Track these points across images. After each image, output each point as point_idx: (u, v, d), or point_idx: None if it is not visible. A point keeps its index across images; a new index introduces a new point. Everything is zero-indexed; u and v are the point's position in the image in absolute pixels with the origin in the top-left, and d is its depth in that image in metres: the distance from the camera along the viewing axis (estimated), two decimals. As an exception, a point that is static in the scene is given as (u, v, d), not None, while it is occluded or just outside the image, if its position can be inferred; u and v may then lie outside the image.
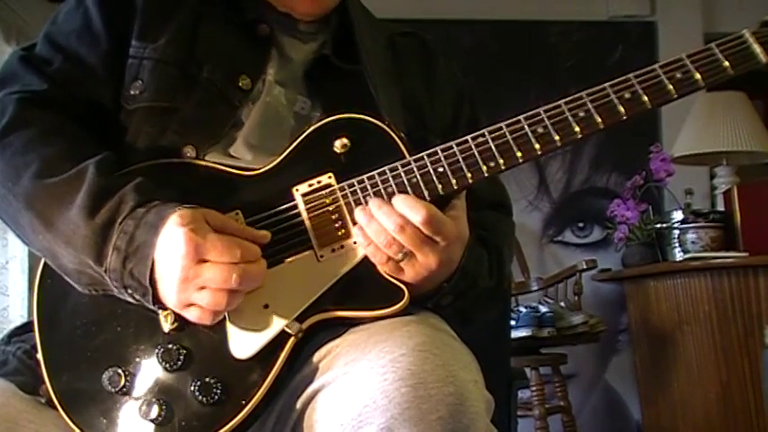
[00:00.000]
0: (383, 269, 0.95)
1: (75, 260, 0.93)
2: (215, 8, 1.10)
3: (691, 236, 3.16)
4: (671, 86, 0.96)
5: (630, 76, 0.97)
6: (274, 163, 1.01)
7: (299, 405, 0.92)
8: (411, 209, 0.93)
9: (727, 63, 0.96)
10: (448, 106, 1.21)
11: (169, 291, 0.90)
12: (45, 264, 1.01)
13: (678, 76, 0.96)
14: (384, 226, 0.93)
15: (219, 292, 0.88)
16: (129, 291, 0.92)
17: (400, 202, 0.94)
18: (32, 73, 1.04)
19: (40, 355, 0.97)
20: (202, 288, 0.88)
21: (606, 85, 0.97)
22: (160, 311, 0.94)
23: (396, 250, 0.93)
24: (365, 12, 1.21)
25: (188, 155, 1.02)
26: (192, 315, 0.91)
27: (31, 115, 1.01)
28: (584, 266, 3.24)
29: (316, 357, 0.94)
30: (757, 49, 0.96)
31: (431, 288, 0.99)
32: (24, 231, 0.98)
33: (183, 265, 0.88)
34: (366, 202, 0.96)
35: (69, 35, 1.06)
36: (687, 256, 3.14)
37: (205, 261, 0.88)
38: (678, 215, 3.37)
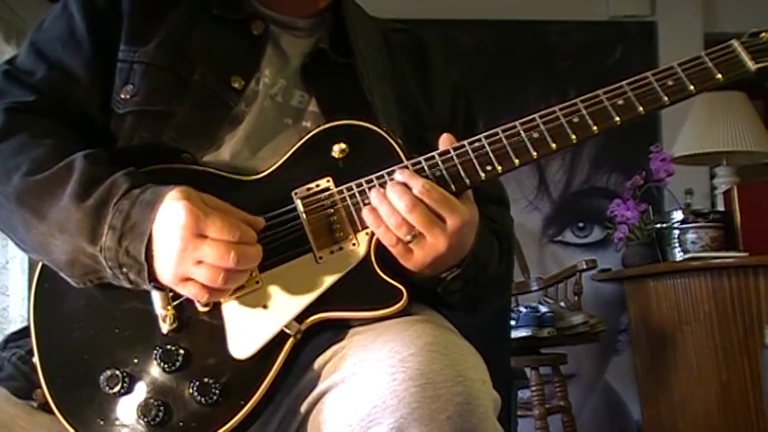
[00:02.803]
0: (393, 251, 0.96)
1: (69, 247, 0.93)
2: (208, 8, 1.10)
3: (691, 236, 3.16)
4: (663, 93, 0.99)
5: (624, 83, 1.00)
6: (273, 168, 1.01)
7: (303, 408, 0.93)
8: (411, 178, 0.95)
9: (717, 71, 1.00)
10: (445, 102, 1.22)
11: (166, 264, 0.89)
12: (41, 268, 1.01)
13: (670, 83, 1.00)
14: (395, 206, 0.94)
15: (216, 269, 0.88)
16: (125, 269, 0.91)
17: (402, 174, 0.96)
18: (18, 86, 1.04)
19: (36, 359, 0.97)
20: (200, 263, 0.88)
21: (600, 91, 1.00)
22: (160, 313, 0.94)
23: (405, 231, 0.94)
24: (358, 9, 1.22)
25: (186, 159, 1.02)
26: (188, 291, 0.90)
27: (20, 123, 1.01)
28: (585, 266, 3.24)
29: (320, 360, 0.95)
30: (746, 57, 1.00)
31: (439, 273, 1.00)
32: (18, 231, 0.98)
33: (182, 236, 0.88)
34: (365, 206, 0.97)
35: (53, 42, 1.06)
36: (687, 256, 3.14)
37: (204, 237, 0.88)
38: (678, 215, 3.37)
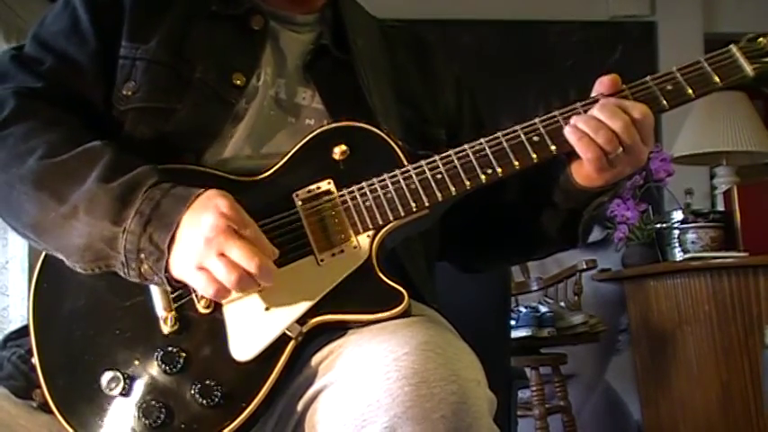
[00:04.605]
0: (593, 166, 1.00)
1: (88, 229, 0.92)
2: (207, 4, 1.10)
3: (691, 236, 3.16)
4: (662, 97, 1.01)
5: (624, 86, 1.01)
6: (274, 169, 1.01)
7: (299, 407, 0.92)
8: (633, 107, 0.99)
9: (715, 75, 1.01)
10: (450, 96, 1.23)
11: (189, 248, 0.88)
12: (40, 268, 1.00)
13: (669, 87, 1.01)
14: (608, 124, 0.97)
15: (236, 268, 0.87)
16: (142, 255, 0.90)
17: (625, 103, 0.99)
18: (25, 72, 1.04)
19: (35, 359, 0.97)
20: (222, 255, 0.87)
21: (599, 95, 1.01)
22: (161, 314, 0.94)
23: (615, 146, 0.97)
24: (356, 5, 1.22)
25: (187, 158, 1.02)
26: (199, 282, 0.89)
27: (30, 108, 1.01)
28: (584, 266, 3.25)
29: (316, 359, 0.94)
30: (744, 62, 1.02)
31: (610, 183, 1.05)
32: (29, 215, 0.96)
33: (218, 224, 0.88)
34: (366, 208, 0.97)
35: (57, 35, 1.07)
36: (687, 256, 3.14)
37: (238, 235, 0.88)
38: (678, 215, 3.37)
